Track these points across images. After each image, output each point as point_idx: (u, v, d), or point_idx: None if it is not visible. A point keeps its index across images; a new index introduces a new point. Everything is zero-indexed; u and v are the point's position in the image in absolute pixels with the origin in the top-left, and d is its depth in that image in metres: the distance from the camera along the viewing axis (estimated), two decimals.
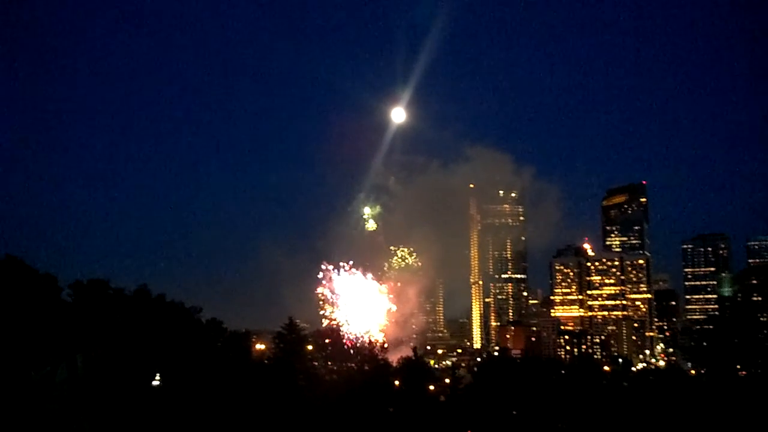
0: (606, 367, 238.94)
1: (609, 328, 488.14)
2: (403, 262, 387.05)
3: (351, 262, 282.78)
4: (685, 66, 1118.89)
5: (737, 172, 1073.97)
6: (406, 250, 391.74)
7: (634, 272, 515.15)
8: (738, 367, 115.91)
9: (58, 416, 54.11)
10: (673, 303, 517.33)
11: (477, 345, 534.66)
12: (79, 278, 79.15)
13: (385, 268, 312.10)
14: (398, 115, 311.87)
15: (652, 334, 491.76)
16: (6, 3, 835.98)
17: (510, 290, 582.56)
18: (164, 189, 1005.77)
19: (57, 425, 53.94)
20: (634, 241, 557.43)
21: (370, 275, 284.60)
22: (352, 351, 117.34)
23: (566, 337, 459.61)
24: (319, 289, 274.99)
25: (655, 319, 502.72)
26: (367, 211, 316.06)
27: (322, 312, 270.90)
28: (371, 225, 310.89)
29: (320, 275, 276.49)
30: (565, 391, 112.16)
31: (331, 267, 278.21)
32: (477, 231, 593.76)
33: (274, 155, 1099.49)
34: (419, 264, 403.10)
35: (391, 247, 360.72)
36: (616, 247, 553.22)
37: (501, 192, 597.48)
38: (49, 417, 53.49)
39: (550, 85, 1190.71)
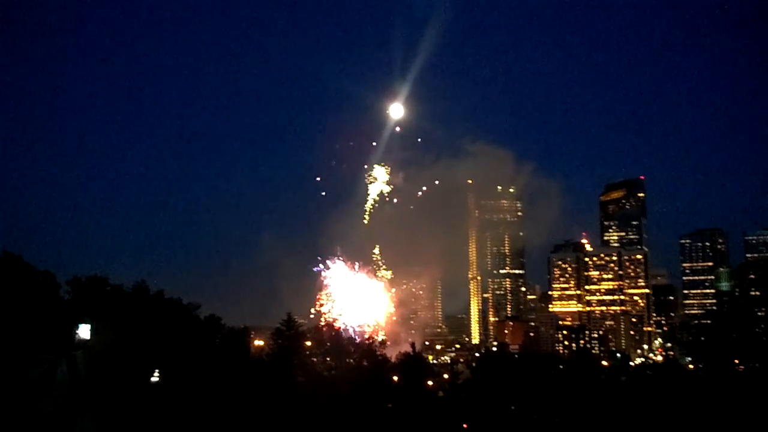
0: (604, 362, 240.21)
1: (607, 323, 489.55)
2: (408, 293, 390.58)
3: (352, 259, 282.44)
4: (683, 62, 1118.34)
5: (735, 167, 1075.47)
6: (411, 284, 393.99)
7: (632, 267, 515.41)
8: (736, 361, 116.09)
9: (57, 414, 53.89)
10: (671, 298, 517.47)
11: (475, 340, 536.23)
12: (78, 275, 79.04)
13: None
14: (396, 111, 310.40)
15: (650, 329, 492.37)
16: (6, 3, 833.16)
17: (508, 285, 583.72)
18: (163, 185, 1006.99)
19: (56, 424, 53.76)
20: (632, 236, 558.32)
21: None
22: (351, 347, 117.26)
23: (564, 332, 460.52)
24: (321, 282, 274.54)
25: (653, 314, 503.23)
26: (377, 251, 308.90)
27: (321, 304, 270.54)
28: (385, 272, 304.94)
29: (320, 268, 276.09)
30: (563, 386, 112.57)
31: (332, 261, 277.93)
32: (475, 227, 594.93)
33: (272, 151, 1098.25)
34: (422, 293, 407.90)
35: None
36: (614, 243, 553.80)
37: (499, 188, 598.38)
38: (47, 415, 53.29)
39: (549, 81, 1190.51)
